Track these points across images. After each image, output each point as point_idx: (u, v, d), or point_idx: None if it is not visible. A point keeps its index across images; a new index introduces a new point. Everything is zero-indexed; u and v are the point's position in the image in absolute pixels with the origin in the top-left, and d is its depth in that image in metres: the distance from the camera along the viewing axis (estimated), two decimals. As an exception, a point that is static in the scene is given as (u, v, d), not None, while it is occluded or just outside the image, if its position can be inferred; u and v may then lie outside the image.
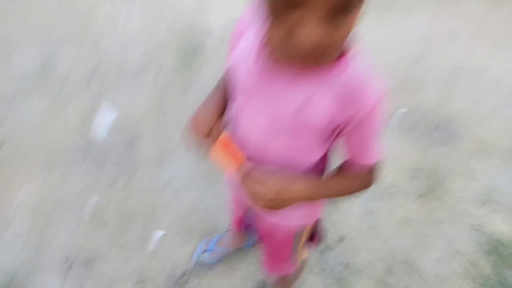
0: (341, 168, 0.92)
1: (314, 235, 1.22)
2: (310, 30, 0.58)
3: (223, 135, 0.88)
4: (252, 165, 0.86)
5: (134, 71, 2.46)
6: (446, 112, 2.34)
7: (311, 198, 0.83)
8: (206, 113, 0.91)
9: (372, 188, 0.91)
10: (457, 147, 2.19)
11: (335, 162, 0.95)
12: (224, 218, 1.85)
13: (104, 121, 2.21)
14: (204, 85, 2.39)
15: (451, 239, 1.88)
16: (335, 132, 0.81)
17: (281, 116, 0.80)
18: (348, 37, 0.63)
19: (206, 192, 1.98)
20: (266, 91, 0.79)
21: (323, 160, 0.92)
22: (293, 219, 1.08)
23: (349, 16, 0.58)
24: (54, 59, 2.50)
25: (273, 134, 0.83)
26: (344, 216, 1.93)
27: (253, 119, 0.85)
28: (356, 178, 0.89)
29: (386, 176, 2.03)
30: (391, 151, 2.10)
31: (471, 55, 2.65)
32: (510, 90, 2.48)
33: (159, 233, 1.87)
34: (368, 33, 2.58)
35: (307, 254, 1.39)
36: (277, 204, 0.79)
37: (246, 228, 1.52)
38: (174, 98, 2.36)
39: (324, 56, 0.64)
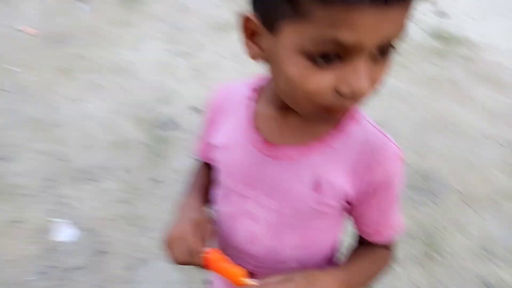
0: (358, 250, 0.79)
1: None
2: (365, 74, 0.52)
3: (210, 253, 0.69)
4: (262, 275, 0.69)
5: (97, 174, 2.30)
6: (421, 169, 2.35)
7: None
8: (182, 230, 0.70)
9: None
10: (441, 203, 2.17)
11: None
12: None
13: (64, 233, 1.98)
14: (174, 181, 2.27)
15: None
16: (348, 206, 0.71)
17: (290, 206, 0.69)
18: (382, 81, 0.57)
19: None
20: (266, 179, 0.69)
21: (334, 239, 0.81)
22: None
23: (388, 56, 0.55)
24: (10, 163, 2.29)
25: (282, 233, 0.72)
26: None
27: (253, 219, 0.73)
28: (379, 258, 0.76)
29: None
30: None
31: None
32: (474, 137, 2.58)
33: None
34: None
35: None
36: None
37: None
38: (143, 199, 2.20)
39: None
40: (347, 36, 0.48)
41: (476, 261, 1.92)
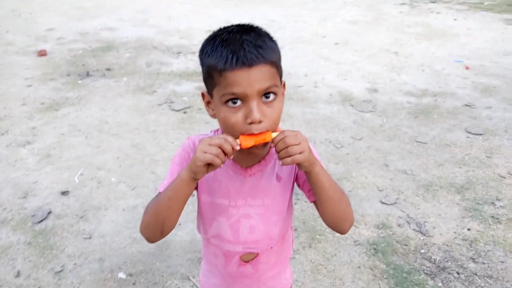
0: None
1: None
2: (256, 110, 0.88)
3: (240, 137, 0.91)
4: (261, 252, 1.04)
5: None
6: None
7: (320, 165, 0.95)
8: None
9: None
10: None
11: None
12: None
13: None
14: (75, 266, 2.20)
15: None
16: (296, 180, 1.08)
17: (269, 198, 1.04)
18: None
19: None
20: (249, 189, 1.03)
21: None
22: (286, 280, 1.25)
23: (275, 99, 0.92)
24: None
25: (270, 217, 1.05)
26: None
27: (248, 217, 1.05)
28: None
29: None
30: None
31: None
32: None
33: None
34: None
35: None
36: (310, 150, 0.90)
37: None
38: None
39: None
40: (236, 89, 0.87)
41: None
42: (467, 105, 4.13)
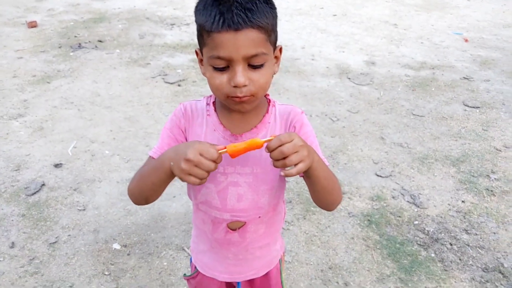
0: None
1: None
2: (241, 74, 0.87)
3: (227, 146, 0.87)
4: (249, 221, 1.04)
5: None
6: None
7: (317, 159, 0.91)
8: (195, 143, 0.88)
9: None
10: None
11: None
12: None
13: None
14: (69, 237, 2.20)
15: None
16: None
17: (259, 166, 1.01)
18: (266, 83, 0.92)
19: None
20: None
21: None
22: (276, 251, 1.23)
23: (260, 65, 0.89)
24: None
25: (259, 186, 1.02)
26: None
27: (236, 185, 1.02)
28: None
29: None
30: None
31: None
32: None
33: None
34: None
35: None
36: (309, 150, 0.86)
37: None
38: (49, 265, 2.09)
39: (255, 98, 0.92)
40: (221, 53, 0.86)
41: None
42: (465, 78, 4.08)
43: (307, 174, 0.93)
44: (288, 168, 0.85)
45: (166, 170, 0.90)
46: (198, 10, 0.91)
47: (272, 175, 1.04)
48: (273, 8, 0.92)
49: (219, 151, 0.85)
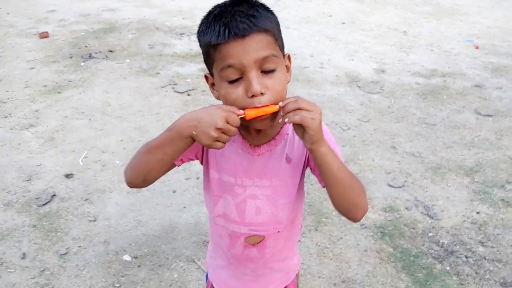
0: None
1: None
2: (255, 82, 0.84)
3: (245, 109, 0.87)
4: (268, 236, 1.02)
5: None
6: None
7: (329, 148, 0.89)
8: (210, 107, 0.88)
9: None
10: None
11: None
12: None
13: None
14: (79, 249, 2.19)
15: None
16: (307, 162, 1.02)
17: (277, 179, 0.99)
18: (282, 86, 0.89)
19: None
20: (257, 169, 0.99)
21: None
22: (294, 266, 1.22)
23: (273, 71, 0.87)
24: None
25: (277, 199, 1.01)
26: None
27: (255, 198, 1.01)
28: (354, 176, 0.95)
29: None
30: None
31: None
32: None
33: None
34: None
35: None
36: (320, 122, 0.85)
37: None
38: (59, 276, 2.08)
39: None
40: (231, 61, 0.84)
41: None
42: (477, 86, 4.03)
43: (317, 159, 0.88)
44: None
45: (185, 140, 0.89)
46: (201, 32, 0.90)
47: (291, 188, 1.03)
48: (273, 15, 0.92)
49: (239, 117, 0.86)
